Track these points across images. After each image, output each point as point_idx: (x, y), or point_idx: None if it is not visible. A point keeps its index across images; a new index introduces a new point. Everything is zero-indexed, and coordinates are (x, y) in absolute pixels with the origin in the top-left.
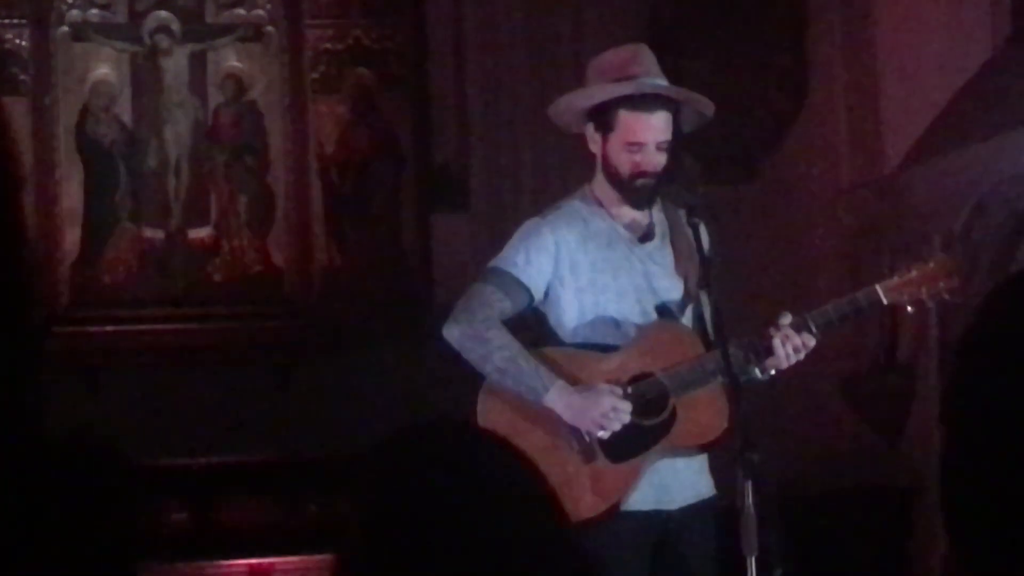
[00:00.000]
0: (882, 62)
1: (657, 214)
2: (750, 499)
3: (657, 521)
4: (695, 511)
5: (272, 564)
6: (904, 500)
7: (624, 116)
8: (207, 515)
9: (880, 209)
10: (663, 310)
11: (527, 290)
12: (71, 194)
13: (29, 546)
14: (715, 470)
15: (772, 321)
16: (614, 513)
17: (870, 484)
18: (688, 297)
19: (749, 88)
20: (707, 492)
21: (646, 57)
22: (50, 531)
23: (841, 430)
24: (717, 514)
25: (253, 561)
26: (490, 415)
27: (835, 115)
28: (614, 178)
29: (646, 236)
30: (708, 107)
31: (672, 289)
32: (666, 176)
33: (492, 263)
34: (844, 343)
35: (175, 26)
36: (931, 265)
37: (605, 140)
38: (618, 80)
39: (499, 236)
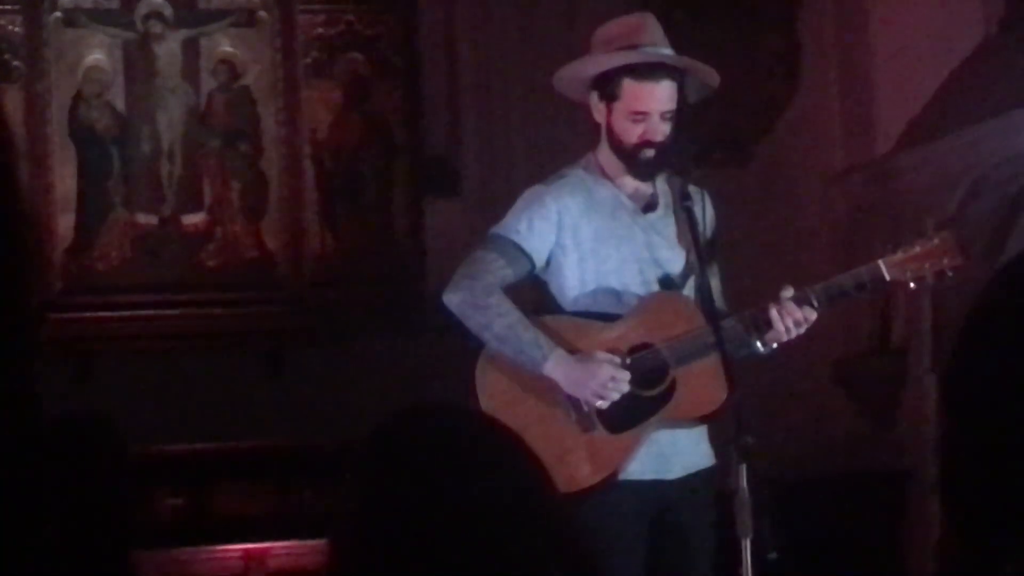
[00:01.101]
0: (875, 45)
1: (661, 184)
2: (744, 482)
3: (657, 490)
4: (694, 480)
5: (267, 550)
6: (897, 483)
7: (629, 85)
8: (201, 501)
9: (873, 192)
10: (665, 281)
11: (529, 257)
12: (64, 180)
13: (28, 532)
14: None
15: (770, 298)
16: (611, 483)
17: (863, 467)
18: (690, 268)
19: (742, 72)
20: (707, 462)
21: (652, 26)
22: (48, 515)
23: (834, 414)
24: (716, 484)
25: (248, 547)
26: (488, 384)
27: (828, 99)
28: (618, 148)
29: (649, 206)
30: (713, 77)
31: (674, 260)
32: (671, 147)
33: (494, 230)
34: (837, 327)
35: (168, 12)
36: (935, 242)
37: (610, 109)
38: (623, 49)
39: (491, 221)
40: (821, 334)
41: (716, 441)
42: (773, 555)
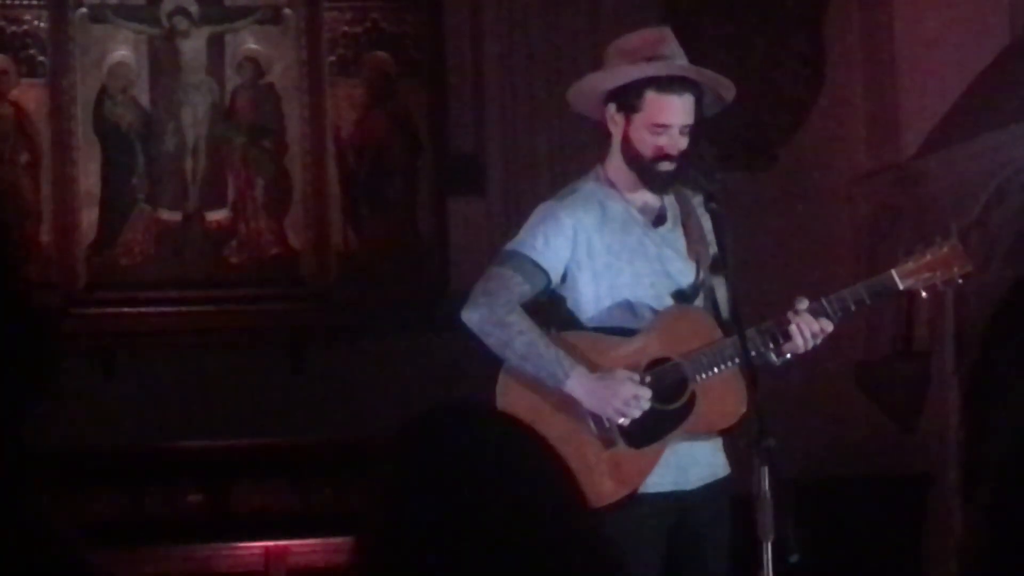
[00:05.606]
0: (899, 49)
1: (668, 198)
2: (766, 485)
3: (675, 501)
4: (711, 490)
5: (287, 547)
6: (919, 486)
7: (652, 97)
8: (222, 498)
9: (897, 196)
10: (677, 294)
11: (545, 273)
12: (88, 176)
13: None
14: (731, 458)
15: (789, 307)
16: (633, 498)
17: (885, 470)
18: (700, 281)
19: (767, 75)
20: (723, 471)
21: (672, 40)
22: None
23: (857, 417)
24: (731, 493)
25: (268, 544)
26: (510, 400)
27: (853, 102)
28: (635, 160)
29: (659, 220)
30: (730, 92)
31: (685, 273)
32: (686, 161)
33: (510, 246)
34: (860, 330)
35: (193, 8)
36: (945, 250)
37: (628, 121)
38: (648, 60)
39: (515, 220)
40: (844, 337)
41: (738, 445)
42: (795, 558)
